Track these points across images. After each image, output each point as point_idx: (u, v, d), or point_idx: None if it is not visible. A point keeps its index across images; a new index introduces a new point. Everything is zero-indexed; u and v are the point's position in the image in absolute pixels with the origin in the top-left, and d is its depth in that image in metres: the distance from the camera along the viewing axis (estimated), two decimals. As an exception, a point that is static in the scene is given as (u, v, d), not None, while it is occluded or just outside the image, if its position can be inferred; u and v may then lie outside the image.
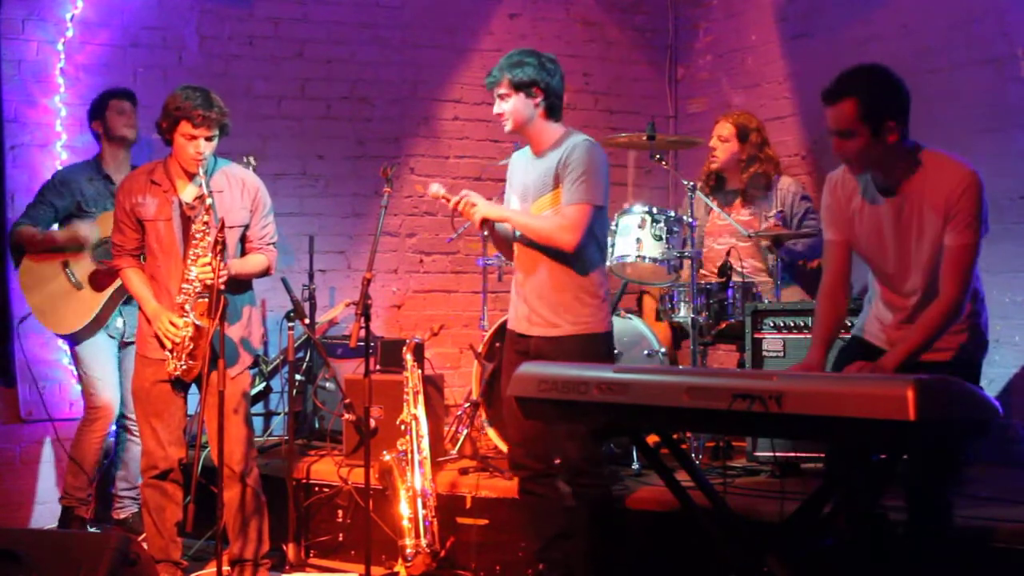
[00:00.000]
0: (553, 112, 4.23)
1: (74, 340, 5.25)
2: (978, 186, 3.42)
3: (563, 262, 4.13)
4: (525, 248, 4.22)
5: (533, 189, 4.23)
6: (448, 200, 4.22)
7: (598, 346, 4.16)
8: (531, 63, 4.18)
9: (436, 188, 4.29)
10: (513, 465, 4.35)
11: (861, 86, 3.46)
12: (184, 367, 4.35)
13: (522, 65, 4.17)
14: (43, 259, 5.22)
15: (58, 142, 5.94)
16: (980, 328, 3.58)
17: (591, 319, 4.15)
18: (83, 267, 5.24)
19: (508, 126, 4.23)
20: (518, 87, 4.17)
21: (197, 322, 4.31)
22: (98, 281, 5.20)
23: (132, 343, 4.98)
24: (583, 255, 4.13)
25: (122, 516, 5.30)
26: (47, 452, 5.83)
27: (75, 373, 5.48)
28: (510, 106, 4.20)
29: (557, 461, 4.20)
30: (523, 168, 4.33)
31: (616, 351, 5.11)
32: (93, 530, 5.22)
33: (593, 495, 4.13)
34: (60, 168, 5.58)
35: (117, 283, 5.13)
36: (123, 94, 5.43)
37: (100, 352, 5.25)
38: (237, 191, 4.51)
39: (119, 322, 5.28)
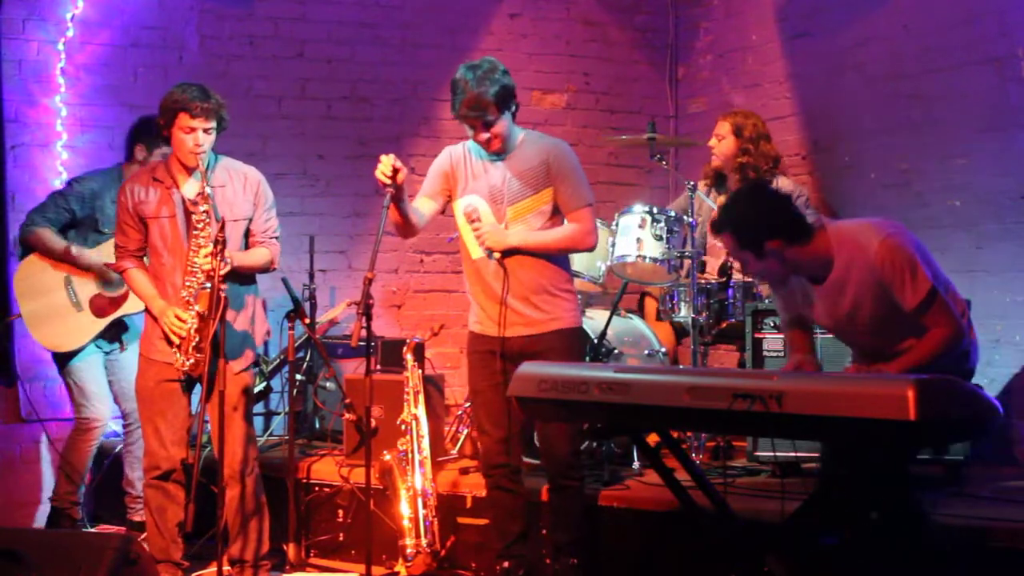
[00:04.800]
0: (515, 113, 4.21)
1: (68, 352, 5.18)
2: (891, 252, 3.40)
3: (549, 261, 4.20)
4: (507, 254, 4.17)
5: (508, 192, 4.18)
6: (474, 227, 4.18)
7: (576, 340, 4.30)
8: (496, 77, 4.05)
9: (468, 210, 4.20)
10: (488, 463, 4.31)
11: (730, 219, 3.55)
12: (192, 362, 4.32)
13: (493, 82, 4.03)
14: (51, 265, 5.12)
15: (59, 142, 5.95)
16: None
17: (571, 314, 4.24)
18: (86, 288, 5.14)
19: (497, 146, 4.15)
20: (502, 106, 4.08)
21: (203, 312, 4.24)
22: (99, 306, 5.13)
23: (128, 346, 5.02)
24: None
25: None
26: (47, 452, 5.83)
27: (63, 381, 5.30)
28: (501, 128, 4.11)
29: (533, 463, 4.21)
30: (479, 168, 4.23)
31: (616, 351, 5.12)
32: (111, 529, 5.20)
33: (574, 490, 4.24)
34: (87, 176, 5.27)
35: (118, 312, 5.12)
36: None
37: (92, 365, 5.20)
38: (239, 185, 4.50)
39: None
